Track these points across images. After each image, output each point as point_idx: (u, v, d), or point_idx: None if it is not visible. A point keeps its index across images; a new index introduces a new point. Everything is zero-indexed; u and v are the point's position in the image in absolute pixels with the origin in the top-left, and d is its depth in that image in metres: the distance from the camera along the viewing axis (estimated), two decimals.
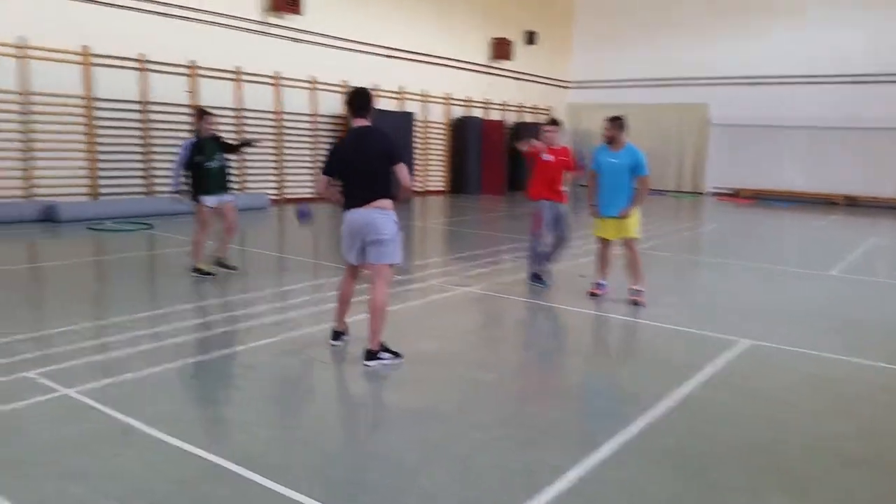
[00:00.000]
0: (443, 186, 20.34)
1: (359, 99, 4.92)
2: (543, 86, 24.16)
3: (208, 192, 7.51)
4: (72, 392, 4.11)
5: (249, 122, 14.92)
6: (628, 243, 6.94)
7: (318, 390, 4.60)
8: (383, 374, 4.75)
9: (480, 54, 21.28)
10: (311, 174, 16.18)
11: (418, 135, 18.92)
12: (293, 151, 16.07)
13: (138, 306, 6.25)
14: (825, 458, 3.60)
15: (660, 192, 23.49)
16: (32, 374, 4.38)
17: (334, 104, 16.56)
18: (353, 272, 5.15)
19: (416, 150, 18.75)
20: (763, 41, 21.79)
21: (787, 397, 4.45)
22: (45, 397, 4.05)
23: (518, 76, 22.66)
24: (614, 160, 6.83)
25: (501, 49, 21.56)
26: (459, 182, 20.31)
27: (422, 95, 19.06)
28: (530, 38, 23.05)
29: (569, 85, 25.43)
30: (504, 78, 22.19)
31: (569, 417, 4.21)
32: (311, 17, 15.59)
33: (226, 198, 7.73)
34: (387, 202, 4.80)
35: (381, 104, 17.46)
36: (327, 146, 16.42)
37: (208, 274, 7.48)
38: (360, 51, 17.03)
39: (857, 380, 4.84)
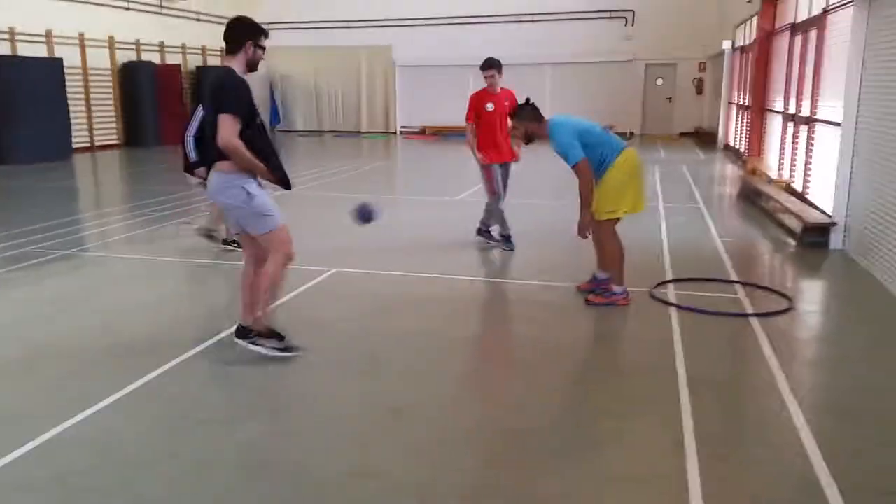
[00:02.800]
0: (116, 139, 18.73)
1: (226, 31, 3.91)
2: None
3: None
4: None
5: None
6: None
7: None
8: None
9: None
10: None
11: (75, 84, 17.04)
12: None
13: None
14: None
15: (355, 134, 24.48)
16: None
17: None
18: (246, 249, 4.21)
19: (73, 101, 16.77)
20: None
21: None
22: None
23: (199, 17, 21.39)
24: None
25: None
26: (135, 134, 18.81)
27: (78, 39, 17.13)
28: None
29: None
30: (183, 19, 20.82)
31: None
32: None
33: None
34: (227, 164, 3.81)
35: (24, 50, 15.42)
36: None
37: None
38: None
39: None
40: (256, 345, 4.01)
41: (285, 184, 3.99)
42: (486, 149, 6.73)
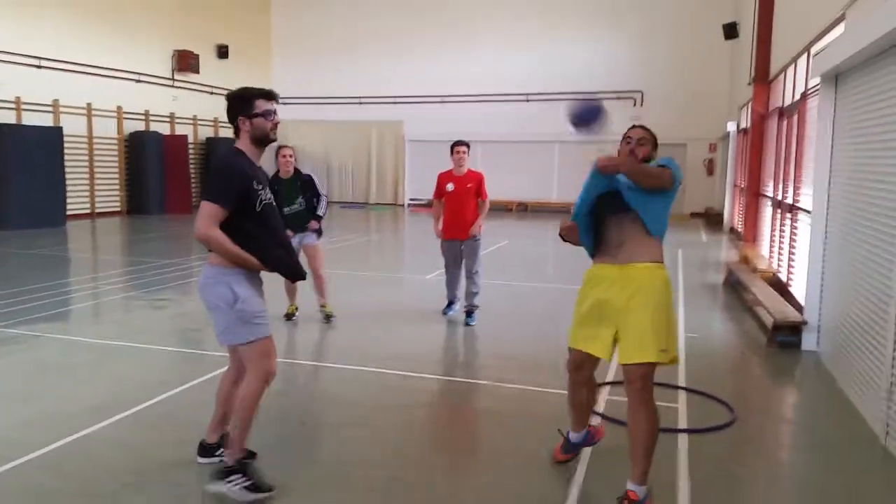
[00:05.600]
0: (119, 207, 18.86)
1: (227, 111, 3.48)
2: None
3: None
4: None
5: None
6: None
7: None
8: None
9: (162, 67, 20.21)
10: None
11: (78, 152, 17.33)
12: None
13: None
14: None
15: (361, 205, 24.48)
16: None
17: None
18: (236, 359, 3.61)
19: (76, 169, 17.13)
20: (445, 62, 23.47)
21: None
22: None
23: (211, 90, 21.86)
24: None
25: (186, 62, 20.68)
26: (138, 202, 18.97)
27: (86, 109, 17.49)
28: (221, 51, 22.48)
29: None
30: (194, 91, 21.30)
31: None
32: None
33: (308, 238, 6.85)
34: (215, 255, 3.36)
35: (31, 119, 15.75)
36: None
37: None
38: None
39: None
40: (234, 482, 3.30)
41: (293, 275, 3.54)
42: (444, 225, 7.04)
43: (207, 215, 3.23)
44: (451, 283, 7.23)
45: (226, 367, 3.74)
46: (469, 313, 6.99)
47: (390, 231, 17.51)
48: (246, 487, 3.28)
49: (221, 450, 3.61)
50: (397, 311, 7.66)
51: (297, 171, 6.72)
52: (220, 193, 3.26)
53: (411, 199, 24.64)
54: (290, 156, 6.66)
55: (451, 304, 7.28)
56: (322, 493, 3.46)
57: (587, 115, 3.50)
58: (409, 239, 16.18)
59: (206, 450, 3.67)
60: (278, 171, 6.66)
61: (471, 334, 6.69)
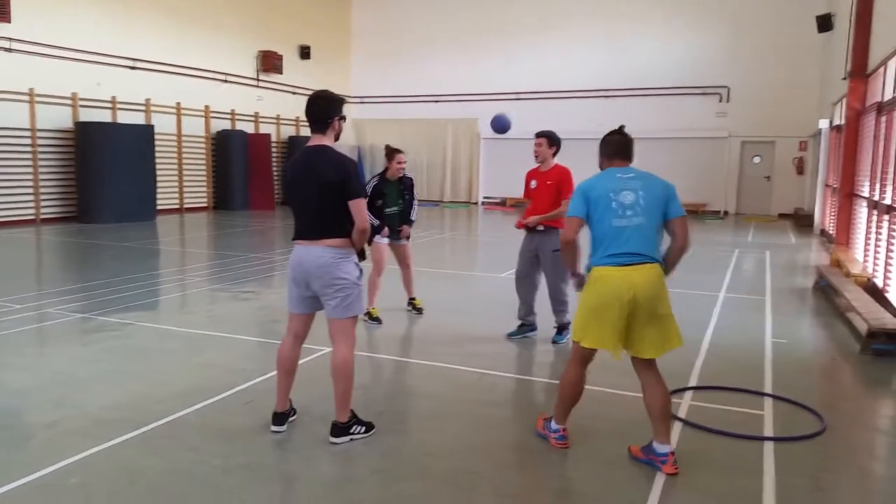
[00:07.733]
0: (206, 203, 19.64)
1: (313, 108, 3.87)
2: None
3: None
4: None
5: None
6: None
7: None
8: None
9: (247, 67, 20.91)
10: (32, 195, 14.96)
11: (168, 149, 18.14)
12: (8, 170, 14.50)
13: None
14: None
15: (435, 203, 24.62)
16: None
17: (62, 118, 15.46)
18: (298, 329, 4.10)
19: (166, 165, 17.95)
20: (521, 59, 23.34)
21: None
22: None
23: (293, 90, 22.47)
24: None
25: (270, 62, 21.33)
26: (224, 197, 19.71)
27: (175, 108, 18.28)
28: (304, 52, 23.07)
29: (350, 100, 25.67)
30: (276, 91, 21.94)
31: None
32: (22, 23, 14.37)
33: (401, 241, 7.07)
34: (341, 241, 3.84)
35: (123, 118, 16.60)
36: (52, 163, 15.36)
37: (377, 321, 6.75)
38: (93, 61, 15.98)
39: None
40: (352, 434, 3.94)
41: (362, 255, 4.04)
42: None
43: (365, 208, 3.88)
44: (522, 298, 6.33)
45: (296, 356, 4.14)
46: (559, 331, 6.28)
47: (464, 229, 17.55)
48: (364, 432, 3.96)
49: (294, 416, 4.18)
50: (473, 310, 7.67)
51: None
52: (364, 189, 4.09)
53: (485, 198, 24.64)
54: (404, 162, 6.84)
55: (522, 325, 6.36)
56: (399, 482, 3.50)
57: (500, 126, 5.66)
58: (484, 237, 16.16)
59: (280, 418, 4.05)
60: (385, 173, 6.80)
61: (545, 334, 6.59)
